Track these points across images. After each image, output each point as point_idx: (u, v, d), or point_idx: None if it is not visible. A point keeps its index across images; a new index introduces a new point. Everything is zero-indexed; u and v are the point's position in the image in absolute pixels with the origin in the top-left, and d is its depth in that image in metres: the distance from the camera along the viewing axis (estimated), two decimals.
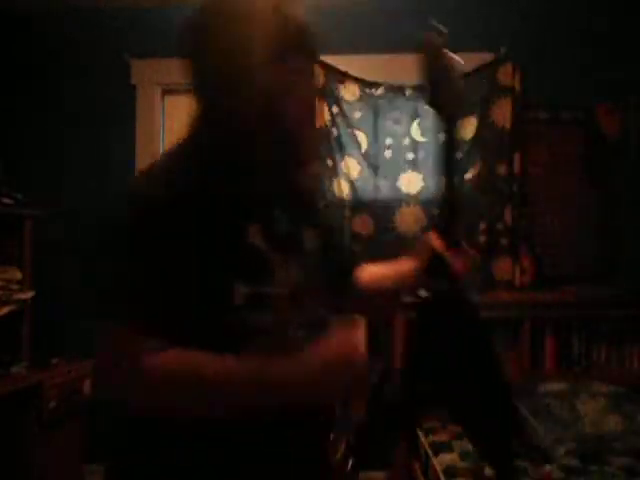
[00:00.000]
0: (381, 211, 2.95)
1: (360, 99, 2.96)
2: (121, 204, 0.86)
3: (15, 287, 2.66)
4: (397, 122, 2.96)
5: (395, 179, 2.96)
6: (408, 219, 2.95)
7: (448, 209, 0.99)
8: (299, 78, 0.87)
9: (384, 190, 2.96)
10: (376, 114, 2.97)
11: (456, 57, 0.97)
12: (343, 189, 2.94)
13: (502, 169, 2.92)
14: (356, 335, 0.82)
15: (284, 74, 0.84)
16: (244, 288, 0.83)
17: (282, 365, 0.80)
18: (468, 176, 2.93)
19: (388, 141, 2.97)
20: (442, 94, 0.98)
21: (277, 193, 0.92)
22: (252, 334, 0.83)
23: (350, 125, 2.95)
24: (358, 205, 2.94)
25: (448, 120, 0.98)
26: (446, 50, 0.99)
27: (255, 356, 0.80)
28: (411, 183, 2.96)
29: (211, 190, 0.82)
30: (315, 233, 1.01)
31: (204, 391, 0.79)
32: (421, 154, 2.96)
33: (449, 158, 0.98)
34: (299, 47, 0.87)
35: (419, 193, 2.95)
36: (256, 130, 0.83)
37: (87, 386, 2.70)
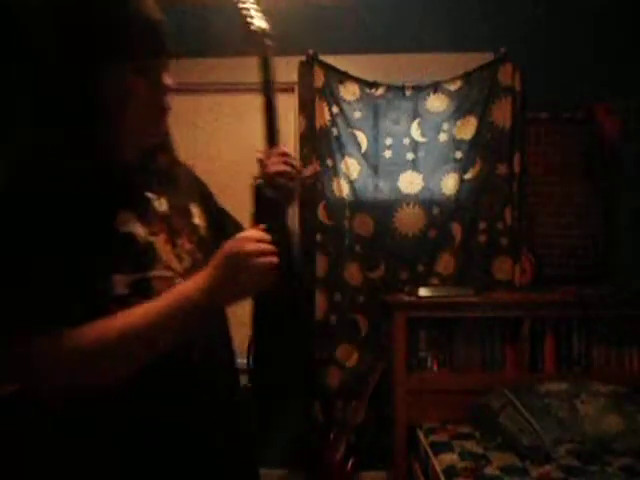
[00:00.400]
0: (381, 211, 2.95)
1: (360, 99, 2.96)
2: None
3: None
4: (397, 122, 2.96)
5: (395, 179, 2.96)
6: (408, 219, 2.95)
7: (266, 118, 1.04)
8: (143, 77, 0.86)
9: (384, 190, 2.96)
10: (376, 114, 2.97)
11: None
12: (343, 189, 2.94)
13: (502, 169, 2.91)
14: (241, 237, 0.87)
15: (124, 74, 0.84)
16: (126, 276, 0.84)
17: (185, 285, 0.85)
18: (468, 176, 2.93)
19: (388, 141, 2.97)
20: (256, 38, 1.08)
21: (142, 179, 0.93)
22: None
23: (350, 125, 2.95)
24: (358, 205, 2.94)
25: (263, 59, 1.08)
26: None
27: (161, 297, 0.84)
28: (411, 183, 2.95)
29: (71, 185, 0.82)
30: (201, 210, 1.04)
31: (125, 342, 0.81)
32: (421, 154, 2.95)
33: (267, 81, 1.08)
34: (143, 46, 0.86)
35: (419, 193, 2.95)
36: (100, 127, 0.84)
37: None
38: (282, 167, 1.00)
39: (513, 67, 2.90)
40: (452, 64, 2.95)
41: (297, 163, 1.03)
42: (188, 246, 0.96)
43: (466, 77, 2.93)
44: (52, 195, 0.80)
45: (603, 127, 2.93)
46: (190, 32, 3.05)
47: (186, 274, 0.91)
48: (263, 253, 0.86)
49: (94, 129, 0.84)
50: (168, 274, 0.90)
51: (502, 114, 2.91)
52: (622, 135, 2.93)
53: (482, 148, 2.92)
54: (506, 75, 2.91)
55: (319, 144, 2.93)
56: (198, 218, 1.02)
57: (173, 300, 0.84)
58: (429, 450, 2.34)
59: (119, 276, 0.83)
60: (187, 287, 0.85)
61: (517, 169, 2.91)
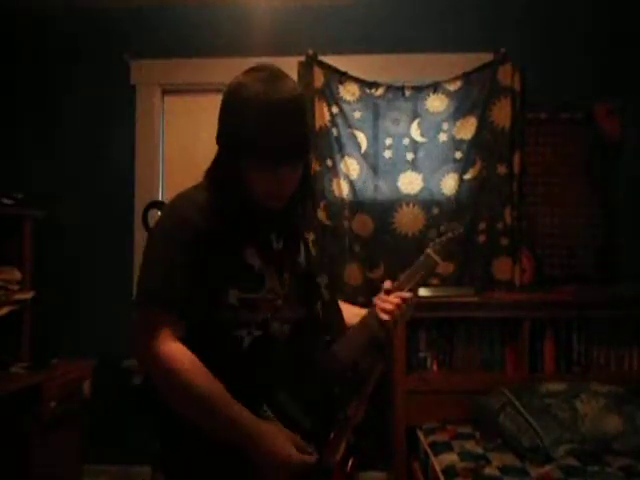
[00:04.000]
0: (381, 211, 2.95)
1: (360, 99, 2.96)
2: (173, 219, 1.16)
3: (15, 287, 2.66)
4: (397, 122, 2.96)
5: (395, 179, 2.96)
6: (408, 219, 2.95)
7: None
8: (263, 173, 1.13)
9: (384, 190, 2.96)
10: (376, 114, 2.97)
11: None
12: (343, 189, 2.94)
13: (502, 169, 2.91)
14: (288, 450, 1.07)
15: (246, 169, 1.13)
16: (238, 293, 1.14)
17: (241, 425, 1.06)
18: (468, 176, 2.93)
19: (388, 141, 2.97)
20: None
21: (268, 227, 1.23)
22: (242, 324, 1.15)
23: (350, 125, 2.95)
24: (358, 205, 2.94)
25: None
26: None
27: (232, 406, 1.07)
28: (411, 183, 2.95)
29: (217, 226, 1.14)
30: (305, 250, 1.34)
31: (177, 391, 1.07)
32: (421, 154, 2.95)
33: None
34: (257, 155, 1.11)
35: (419, 193, 2.95)
36: (236, 198, 1.17)
37: (87, 386, 2.70)
38: (389, 306, 1.23)
39: (513, 67, 2.90)
40: (452, 64, 2.95)
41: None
42: (289, 278, 1.24)
43: (466, 77, 2.93)
44: (215, 231, 1.13)
45: (603, 127, 2.94)
46: (190, 32, 3.05)
47: (285, 297, 1.21)
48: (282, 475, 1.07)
49: (237, 196, 1.17)
50: (270, 297, 1.18)
51: (502, 114, 2.91)
52: (622, 135, 2.93)
53: (482, 148, 2.92)
54: (506, 75, 2.91)
55: (319, 144, 2.93)
56: (302, 256, 1.31)
57: (243, 426, 1.06)
58: (429, 450, 2.34)
59: (234, 291, 1.14)
60: (256, 436, 1.07)
61: (517, 169, 2.91)
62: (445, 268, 2.91)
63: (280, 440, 1.08)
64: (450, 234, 1.28)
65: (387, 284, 1.29)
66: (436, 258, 1.25)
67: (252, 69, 1.15)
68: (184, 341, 1.09)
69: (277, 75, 1.13)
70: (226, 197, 1.16)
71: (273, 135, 1.09)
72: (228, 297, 1.13)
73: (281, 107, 1.09)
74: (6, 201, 2.65)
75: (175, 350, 1.07)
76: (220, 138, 1.18)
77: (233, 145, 1.14)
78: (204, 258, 1.11)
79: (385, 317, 1.23)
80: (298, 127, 1.13)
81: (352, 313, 1.38)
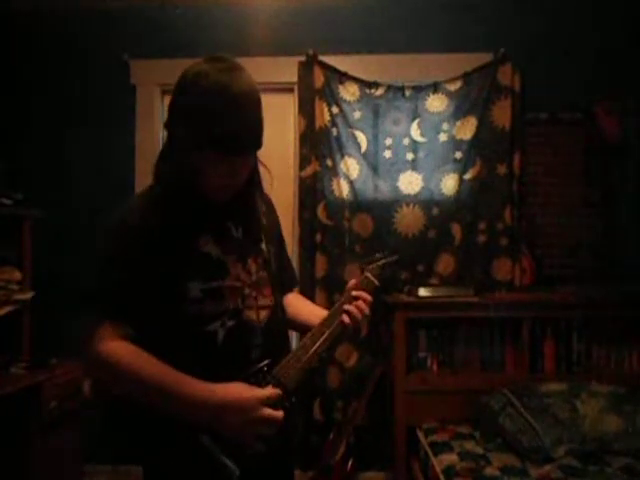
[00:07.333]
0: (381, 211, 2.95)
1: (360, 99, 2.96)
2: (110, 226, 1.17)
3: (15, 287, 2.66)
4: (397, 122, 2.96)
5: (395, 179, 2.96)
6: (408, 219, 2.95)
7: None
8: (220, 164, 1.09)
9: (384, 190, 2.96)
10: (376, 114, 2.97)
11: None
12: (343, 189, 2.94)
13: (502, 169, 2.91)
14: (253, 399, 1.05)
15: (200, 160, 1.09)
16: (200, 284, 1.12)
17: (190, 393, 1.05)
18: (468, 176, 2.93)
19: (388, 141, 2.97)
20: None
21: (227, 212, 1.20)
22: (212, 317, 1.12)
23: (350, 125, 2.95)
24: (358, 205, 2.94)
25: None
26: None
27: (175, 377, 1.06)
28: (411, 183, 2.95)
29: (170, 217, 1.12)
30: (268, 237, 1.31)
31: (126, 384, 1.09)
32: (421, 154, 2.95)
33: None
34: (217, 145, 1.07)
35: (419, 193, 2.95)
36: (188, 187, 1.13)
37: (87, 386, 2.70)
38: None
39: (512, 67, 2.90)
40: (452, 64, 2.95)
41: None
42: (254, 265, 1.22)
43: (466, 77, 2.93)
44: (158, 226, 1.11)
45: (603, 127, 2.93)
46: (190, 32, 3.05)
47: (253, 285, 1.20)
48: (263, 422, 1.05)
49: (187, 185, 1.13)
50: (237, 284, 1.17)
51: (502, 114, 2.91)
52: (622, 135, 2.93)
53: (482, 148, 2.92)
54: (505, 75, 2.91)
55: (319, 144, 2.93)
56: (265, 244, 1.28)
57: (196, 394, 1.05)
58: (429, 450, 2.34)
59: (194, 283, 1.12)
60: (208, 400, 1.04)
61: (517, 169, 2.91)
62: (445, 268, 2.91)
63: (236, 389, 1.06)
64: (384, 260, 1.33)
65: (352, 284, 1.32)
66: (374, 280, 1.32)
67: (211, 59, 1.15)
68: (138, 343, 1.09)
69: (236, 66, 1.12)
70: (174, 188, 1.12)
71: (236, 125, 1.07)
72: (189, 290, 1.11)
73: (242, 98, 1.07)
74: (6, 201, 2.65)
75: (113, 346, 1.08)
76: (174, 126, 1.14)
77: (190, 135, 1.08)
78: (148, 257, 1.10)
79: (347, 321, 1.24)
80: (257, 117, 1.11)
81: (311, 312, 1.37)
